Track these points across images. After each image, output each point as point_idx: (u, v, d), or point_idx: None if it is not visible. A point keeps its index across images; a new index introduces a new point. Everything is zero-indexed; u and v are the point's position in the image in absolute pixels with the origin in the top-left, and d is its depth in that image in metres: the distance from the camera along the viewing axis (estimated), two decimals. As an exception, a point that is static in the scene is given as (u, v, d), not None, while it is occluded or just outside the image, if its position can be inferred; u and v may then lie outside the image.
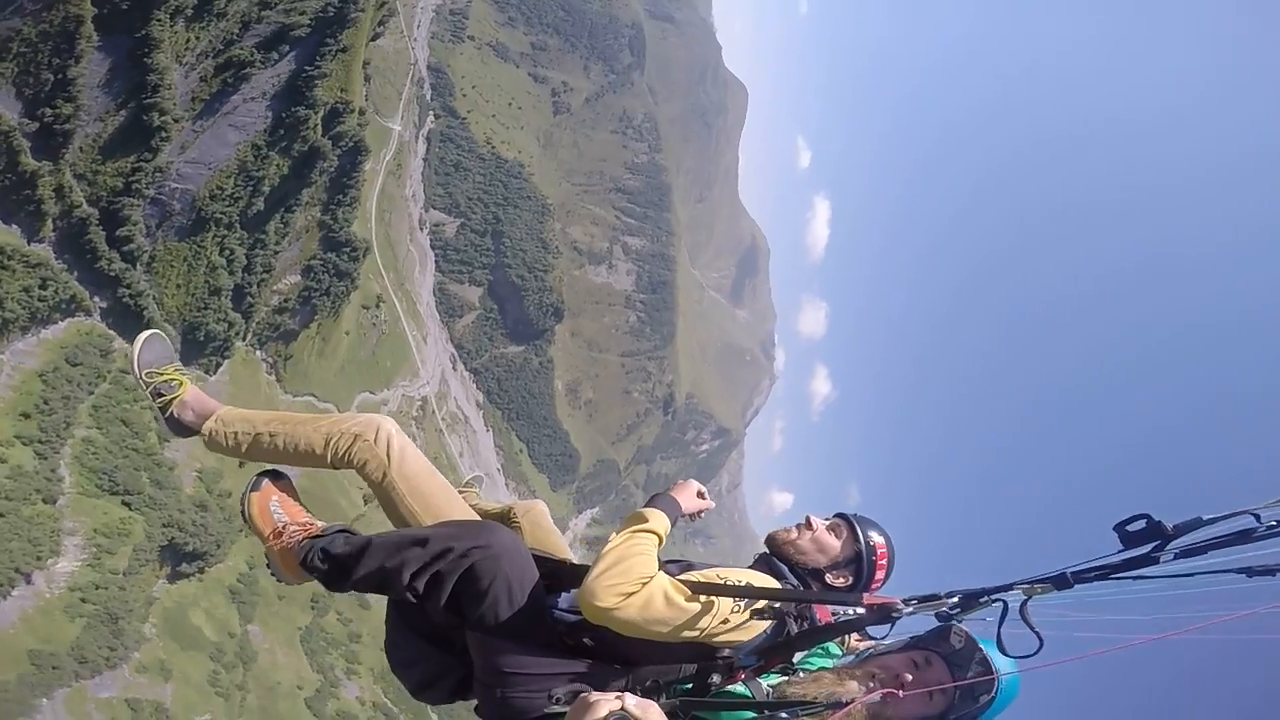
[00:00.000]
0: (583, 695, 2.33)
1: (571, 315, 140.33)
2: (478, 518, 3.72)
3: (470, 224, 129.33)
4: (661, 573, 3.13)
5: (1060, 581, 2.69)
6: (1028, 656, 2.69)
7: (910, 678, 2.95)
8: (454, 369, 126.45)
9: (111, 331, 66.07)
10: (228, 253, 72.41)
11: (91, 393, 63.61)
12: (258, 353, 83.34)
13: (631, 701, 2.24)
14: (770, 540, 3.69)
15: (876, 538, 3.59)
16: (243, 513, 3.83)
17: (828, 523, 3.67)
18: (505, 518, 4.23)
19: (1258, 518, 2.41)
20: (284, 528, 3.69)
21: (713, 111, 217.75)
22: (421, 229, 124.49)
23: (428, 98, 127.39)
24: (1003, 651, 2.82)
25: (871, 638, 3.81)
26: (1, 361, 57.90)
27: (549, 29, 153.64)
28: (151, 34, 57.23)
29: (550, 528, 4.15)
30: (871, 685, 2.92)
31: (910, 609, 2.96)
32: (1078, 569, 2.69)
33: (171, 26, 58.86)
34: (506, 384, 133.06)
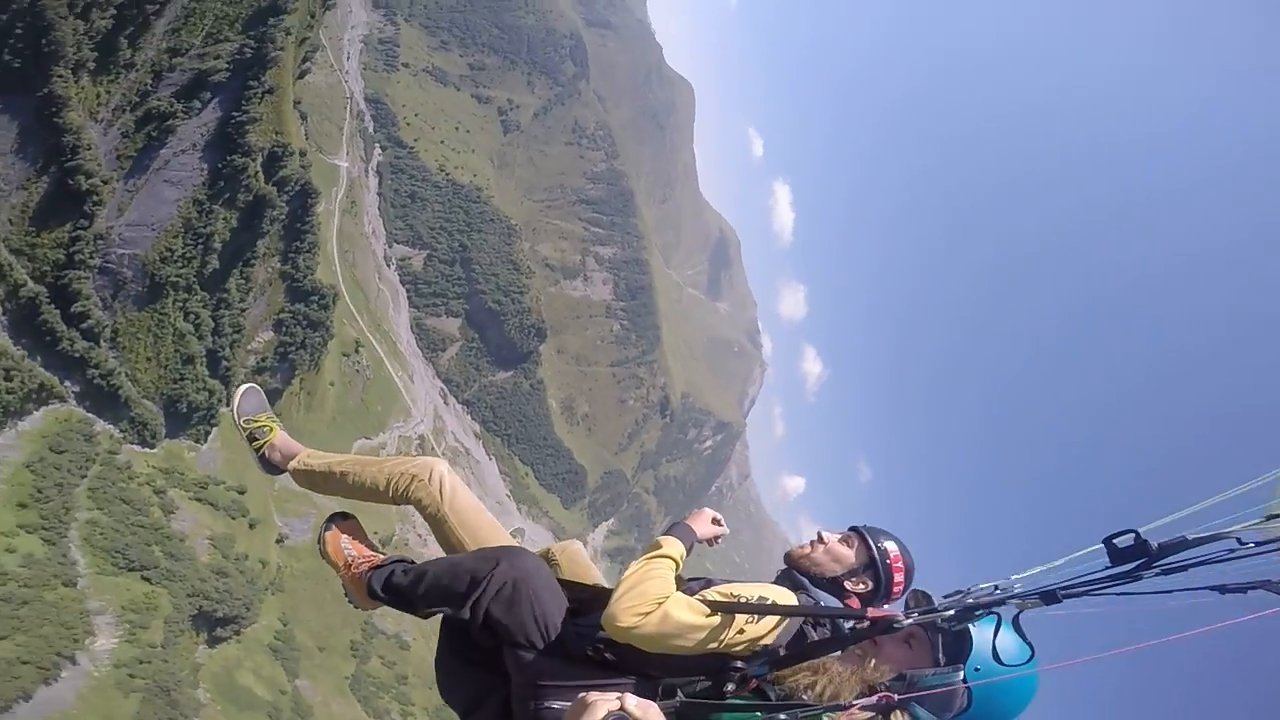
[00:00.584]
0: (581, 695, 2.40)
1: (554, 333, 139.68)
2: (503, 545, 3.99)
3: (437, 254, 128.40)
4: (678, 593, 3.39)
5: (1049, 597, 2.86)
6: (1023, 664, 3.00)
7: (881, 638, 3.28)
8: (446, 403, 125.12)
9: (91, 415, 65.16)
10: (193, 316, 70.83)
11: (84, 476, 63.11)
12: None
13: (631, 702, 2.29)
14: (787, 557, 3.94)
15: (889, 545, 3.85)
16: (320, 551, 4.37)
17: (840, 536, 3.92)
18: (544, 557, 4.37)
19: (1240, 541, 2.61)
20: (353, 561, 4.19)
21: (663, 112, 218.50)
22: (388, 265, 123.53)
23: (370, 130, 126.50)
24: (999, 662, 3.03)
25: None
26: (-18, 457, 55.72)
27: (485, 48, 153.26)
28: (55, 91, 55.42)
29: (586, 563, 4.43)
30: (849, 653, 3.26)
31: (910, 620, 3.13)
32: (1065, 585, 2.84)
33: (76, 82, 57.16)
34: (501, 411, 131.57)
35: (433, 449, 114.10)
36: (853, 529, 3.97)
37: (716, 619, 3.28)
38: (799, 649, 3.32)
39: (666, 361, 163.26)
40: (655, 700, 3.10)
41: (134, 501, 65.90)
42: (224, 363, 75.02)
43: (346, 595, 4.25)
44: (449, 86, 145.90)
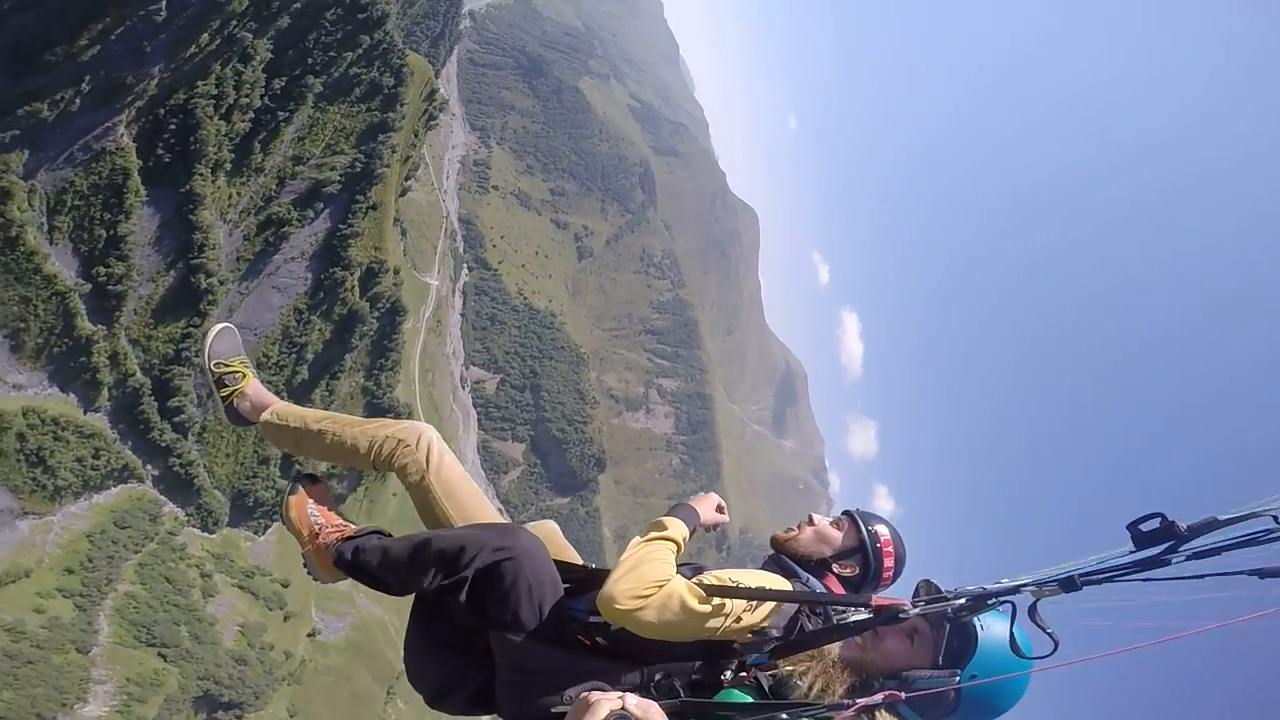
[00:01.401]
0: (583, 695, 2.34)
1: (614, 464, 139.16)
2: (499, 522, 3.79)
3: (509, 379, 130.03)
4: (678, 576, 3.20)
5: (1068, 584, 2.68)
6: (1045, 656, 2.72)
7: (883, 629, 3.10)
8: None
9: (162, 497, 66.13)
10: None
11: (137, 551, 63.94)
12: None
13: (633, 701, 2.25)
14: (774, 541, 3.85)
15: (880, 528, 3.76)
16: (281, 515, 4.08)
17: (831, 520, 3.84)
18: None
19: (1277, 519, 2.39)
20: (320, 529, 3.88)
21: (727, 240, 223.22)
22: (463, 387, 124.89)
23: (460, 250, 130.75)
24: (1017, 654, 2.87)
25: None
26: (51, 523, 58.09)
27: (565, 174, 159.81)
28: (195, 189, 57.27)
29: (564, 544, 4.13)
30: (848, 641, 3.14)
31: (917, 609, 2.98)
32: (1086, 571, 2.68)
33: (214, 182, 59.03)
34: None
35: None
36: (844, 512, 3.89)
37: (715, 604, 3.11)
38: (800, 637, 3.19)
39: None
40: (651, 690, 3.05)
41: (177, 581, 66.23)
42: (296, 466, 74.15)
43: (306, 566, 3.96)
44: (532, 210, 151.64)
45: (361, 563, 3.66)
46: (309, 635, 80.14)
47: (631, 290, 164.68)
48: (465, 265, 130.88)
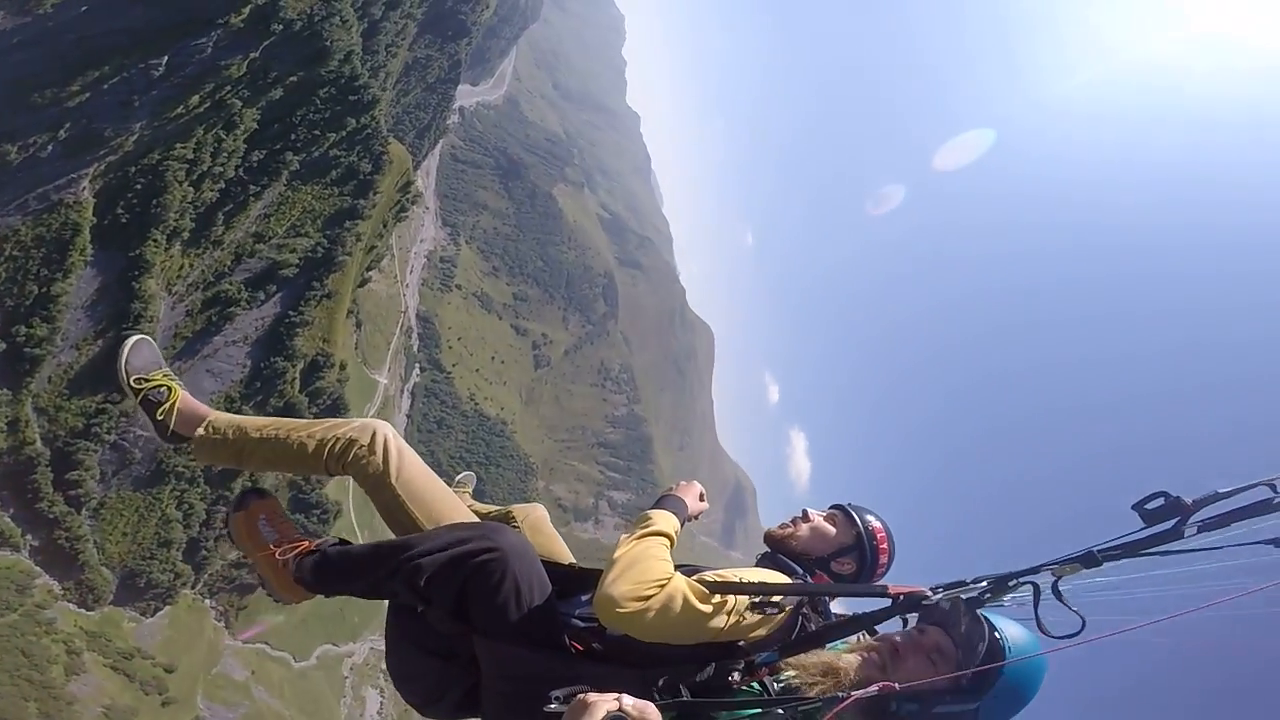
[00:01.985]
0: (580, 696, 2.31)
1: None
2: (479, 521, 3.67)
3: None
4: (678, 574, 3.08)
5: (1088, 560, 2.68)
6: (1071, 636, 2.62)
7: (901, 642, 2.95)
8: None
9: (37, 569, 60.20)
10: (186, 506, 66.95)
11: None
12: (207, 601, 76.28)
13: (629, 702, 2.24)
14: (769, 537, 3.78)
15: (874, 522, 3.71)
16: (229, 534, 3.85)
17: (824, 514, 3.78)
18: (505, 520, 4.18)
19: (1274, 488, 2.45)
20: (276, 545, 3.64)
21: (684, 356, 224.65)
22: None
23: (415, 348, 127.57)
24: (1044, 633, 2.72)
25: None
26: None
27: (529, 279, 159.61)
28: (146, 255, 53.95)
29: (552, 533, 4.11)
30: (865, 655, 2.94)
31: (939, 596, 2.93)
32: (1105, 546, 2.68)
33: (167, 250, 55.80)
34: None
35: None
36: (835, 506, 3.84)
37: (718, 603, 3.01)
38: (813, 632, 3.10)
39: None
40: (655, 694, 2.92)
41: (35, 655, 59.66)
42: (203, 551, 70.73)
43: (264, 586, 3.82)
44: (492, 314, 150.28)
45: (330, 578, 3.45)
46: (191, 725, 72.89)
47: (587, 403, 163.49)
48: (418, 365, 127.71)
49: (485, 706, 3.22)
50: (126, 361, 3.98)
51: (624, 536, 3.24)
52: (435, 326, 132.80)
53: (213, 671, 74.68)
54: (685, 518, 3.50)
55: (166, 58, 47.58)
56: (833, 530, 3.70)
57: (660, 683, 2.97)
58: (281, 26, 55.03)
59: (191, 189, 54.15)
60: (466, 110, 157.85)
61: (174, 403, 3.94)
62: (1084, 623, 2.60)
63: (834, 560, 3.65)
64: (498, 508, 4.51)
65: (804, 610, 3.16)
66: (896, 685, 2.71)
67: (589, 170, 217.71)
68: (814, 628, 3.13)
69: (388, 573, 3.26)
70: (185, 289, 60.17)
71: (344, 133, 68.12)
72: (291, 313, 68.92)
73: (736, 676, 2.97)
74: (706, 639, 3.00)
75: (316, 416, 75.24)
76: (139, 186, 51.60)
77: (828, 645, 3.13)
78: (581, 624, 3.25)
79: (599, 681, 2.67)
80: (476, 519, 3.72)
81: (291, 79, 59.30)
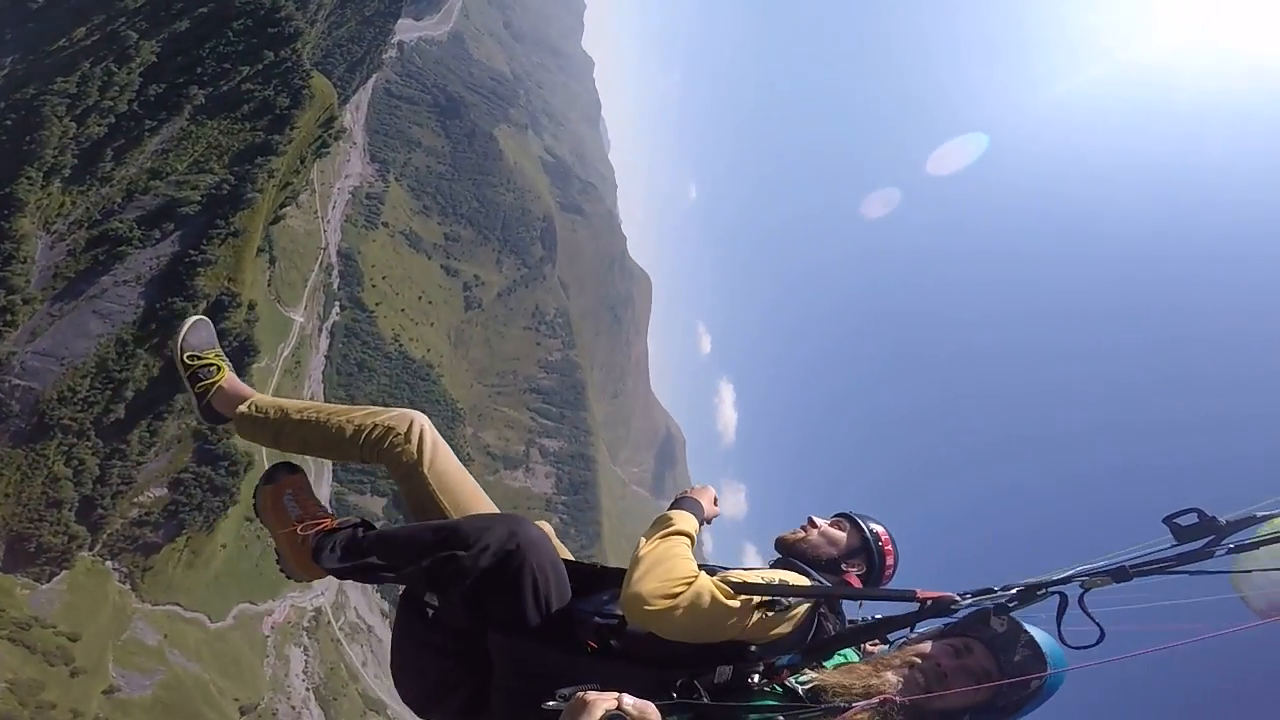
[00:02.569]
0: (579, 695, 2.32)
1: None
2: (503, 512, 3.66)
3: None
4: (702, 573, 3.08)
5: (1119, 574, 2.71)
6: (1088, 647, 2.70)
7: (947, 664, 2.94)
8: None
9: None
10: (76, 462, 63.46)
11: None
12: (108, 563, 72.95)
13: (629, 701, 2.26)
14: (781, 542, 3.78)
15: (877, 527, 3.75)
16: (255, 506, 3.85)
17: (830, 520, 3.82)
18: None
19: None
20: (299, 521, 3.68)
21: (621, 304, 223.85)
22: None
23: (335, 286, 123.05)
24: (1064, 644, 2.81)
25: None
26: None
27: (463, 219, 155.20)
28: (17, 193, 50.29)
29: (559, 545, 3.83)
30: (908, 674, 2.90)
31: (967, 602, 2.94)
32: (1135, 562, 2.73)
33: (44, 188, 52.08)
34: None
35: (330, 622, 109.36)
36: (840, 514, 3.87)
37: (744, 602, 2.99)
38: (836, 636, 3.13)
39: (605, 558, 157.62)
40: (673, 694, 2.88)
41: None
42: (99, 510, 67.44)
43: (279, 563, 3.75)
44: (421, 253, 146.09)
45: (349, 560, 3.44)
46: (105, 692, 70.77)
47: (520, 347, 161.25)
48: (338, 303, 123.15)
49: (496, 705, 3.21)
50: (184, 339, 4.21)
51: (645, 537, 3.26)
52: (358, 264, 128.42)
53: (123, 637, 73.22)
54: (703, 519, 3.53)
55: (47, -14, 42.94)
56: (841, 535, 3.75)
57: (679, 683, 2.97)
58: (191, -50, 50.96)
59: (74, 124, 50.54)
60: (407, 45, 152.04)
61: (219, 381, 4.13)
62: (1102, 634, 2.66)
63: (844, 562, 3.69)
64: None
65: (821, 612, 3.18)
66: (897, 698, 2.72)
67: (535, 113, 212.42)
68: (832, 630, 3.17)
69: (408, 563, 3.30)
70: (67, 227, 56.64)
71: (260, 66, 64.64)
72: (192, 251, 65.36)
73: (756, 678, 2.99)
74: (729, 637, 3.01)
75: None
76: (9, 123, 48.15)
77: (843, 651, 3.22)
78: (599, 621, 3.23)
79: (615, 680, 2.66)
80: (499, 511, 3.72)
81: (201, 10, 55.76)
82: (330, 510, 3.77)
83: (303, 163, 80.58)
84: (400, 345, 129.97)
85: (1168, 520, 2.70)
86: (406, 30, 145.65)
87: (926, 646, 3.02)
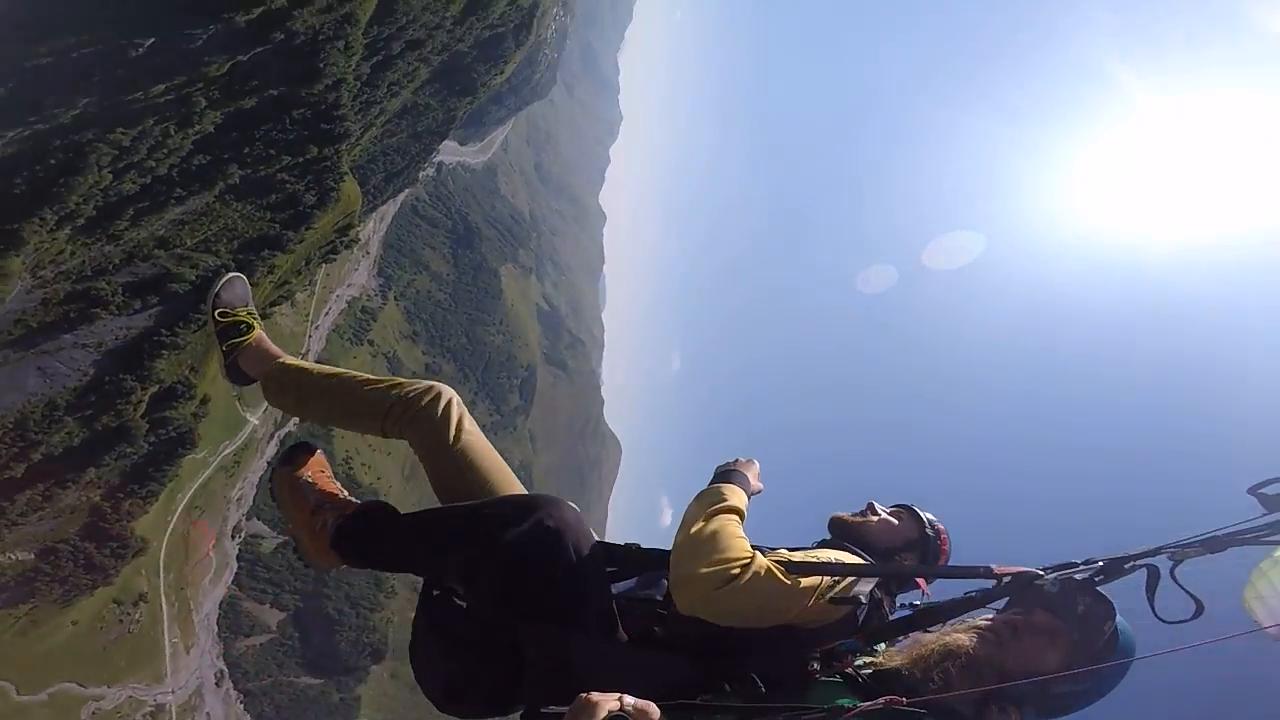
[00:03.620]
0: (582, 695, 2.27)
1: (398, 657, 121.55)
2: (535, 493, 3.40)
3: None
4: (757, 553, 2.94)
5: (1213, 544, 2.63)
6: (1184, 622, 2.59)
7: (1019, 619, 2.81)
8: (218, 685, 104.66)
9: None
10: None
11: None
12: None
13: (630, 701, 2.22)
14: (838, 521, 3.64)
15: (937, 522, 3.67)
16: (271, 490, 3.82)
17: (889, 509, 3.71)
18: None
19: None
20: (318, 506, 3.59)
21: (588, 466, 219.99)
22: (234, 536, 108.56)
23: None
24: (1158, 618, 2.69)
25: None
26: None
27: (449, 354, 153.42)
28: (23, 232, 46.55)
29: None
30: (983, 634, 2.77)
31: (1052, 577, 2.82)
32: (1230, 531, 2.64)
33: (52, 232, 48.41)
34: (288, 713, 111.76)
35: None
36: (900, 505, 3.73)
37: (799, 585, 2.84)
38: (905, 619, 3.00)
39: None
40: (725, 687, 2.72)
41: None
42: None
43: (298, 551, 3.70)
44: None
45: (371, 546, 3.39)
46: None
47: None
48: (297, 416, 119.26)
49: (529, 699, 2.99)
50: (217, 294, 4.06)
51: (692, 512, 3.04)
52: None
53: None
54: (750, 495, 3.28)
55: (152, 40, 42.94)
56: (900, 525, 3.57)
57: (731, 674, 2.73)
58: (282, 36, 50.33)
59: (111, 176, 47.75)
60: (445, 166, 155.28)
61: (249, 340, 4.00)
62: (1200, 608, 2.54)
63: (898, 554, 3.49)
64: None
65: (878, 596, 3.00)
66: (904, 700, 2.49)
67: (542, 258, 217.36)
68: (889, 614, 3.02)
69: (436, 544, 3.17)
70: (53, 276, 52.68)
71: (301, 159, 62.72)
72: (164, 331, 61.03)
73: (816, 666, 2.76)
74: (786, 621, 2.82)
75: (153, 449, 66.68)
76: (53, 162, 45.29)
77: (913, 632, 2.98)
78: (641, 608, 3.04)
79: (656, 672, 2.66)
80: (531, 492, 3.38)
81: (271, 92, 54.30)
82: (346, 493, 3.59)
83: (308, 264, 78.06)
84: (350, 467, 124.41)
85: (1254, 490, 2.56)
86: (449, 152, 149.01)
87: (985, 618, 2.84)
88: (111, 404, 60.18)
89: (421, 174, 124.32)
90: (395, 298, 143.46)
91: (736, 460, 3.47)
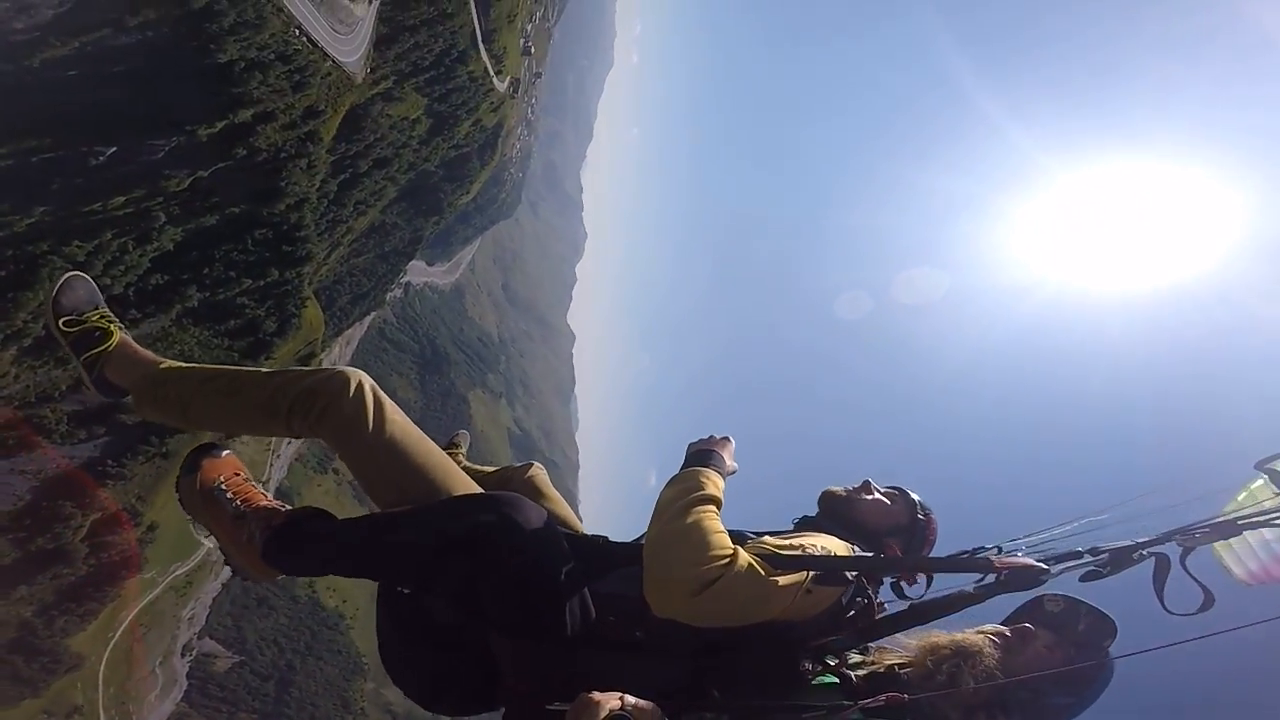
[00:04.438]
0: (583, 695, 2.24)
1: None
2: (479, 490, 3.15)
3: (252, 665, 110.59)
4: (738, 548, 2.75)
5: (1227, 529, 2.61)
6: (1195, 614, 2.53)
7: (1034, 630, 2.70)
8: None
9: None
10: None
11: None
12: None
13: (632, 701, 2.21)
14: (829, 496, 3.46)
15: (929, 509, 3.53)
16: (180, 501, 3.41)
17: (884, 489, 3.53)
18: (504, 485, 3.85)
19: None
20: (239, 516, 3.21)
21: None
22: (183, 655, 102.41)
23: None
24: (1166, 610, 2.60)
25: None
26: None
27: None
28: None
29: (556, 496, 3.85)
30: (997, 640, 2.67)
31: (1057, 569, 2.73)
32: (1244, 516, 2.62)
33: None
34: None
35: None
36: (897, 487, 3.53)
37: (782, 580, 2.67)
38: (896, 615, 2.90)
39: None
40: (713, 690, 2.65)
41: None
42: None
43: (228, 563, 3.30)
44: (364, 507, 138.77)
45: (305, 556, 3.07)
46: None
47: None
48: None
49: (508, 710, 2.86)
50: (55, 301, 3.53)
51: (666, 501, 2.83)
52: (293, 503, 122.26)
53: None
54: (725, 476, 3.08)
55: (114, 149, 42.91)
56: (893, 509, 3.39)
57: (715, 673, 2.66)
58: (245, 152, 50.53)
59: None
60: (413, 287, 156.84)
61: (109, 347, 3.48)
62: (1210, 598, 2.48)
63: (885, 538, 3.31)
64: (492, 469, 4.12)
65: (865, 585, 2.88)
66: (905, 697, 2.45)
67: (512, 381, 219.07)
68: (878, 609, 2.91)
69: (375, 556, 2.86)
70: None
71: (262, 282, 62.03)
72: (110, 462, 59.47)
73: (808, 665, 2.72)
74: (769, 617, 2.66)
75: (92, 575, 63.76)
76: (4, 273, 44.17)
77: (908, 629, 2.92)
78: (617, 610, 2.82)
79: (643, 677, 2.54)
80: (475, 486, 3.14)
81: (233, 210, 54.04)
82: (270, 496, 3.29)
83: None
84: (314, 591, 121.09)
85: (1261, 465, 2.55)
86: (417, 273, 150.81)
87: (988, 628, 2.74)
88: (49, 528, 57.73)
89: (389, 295, 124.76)
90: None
91: (711, 438, 3.21)
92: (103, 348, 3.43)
